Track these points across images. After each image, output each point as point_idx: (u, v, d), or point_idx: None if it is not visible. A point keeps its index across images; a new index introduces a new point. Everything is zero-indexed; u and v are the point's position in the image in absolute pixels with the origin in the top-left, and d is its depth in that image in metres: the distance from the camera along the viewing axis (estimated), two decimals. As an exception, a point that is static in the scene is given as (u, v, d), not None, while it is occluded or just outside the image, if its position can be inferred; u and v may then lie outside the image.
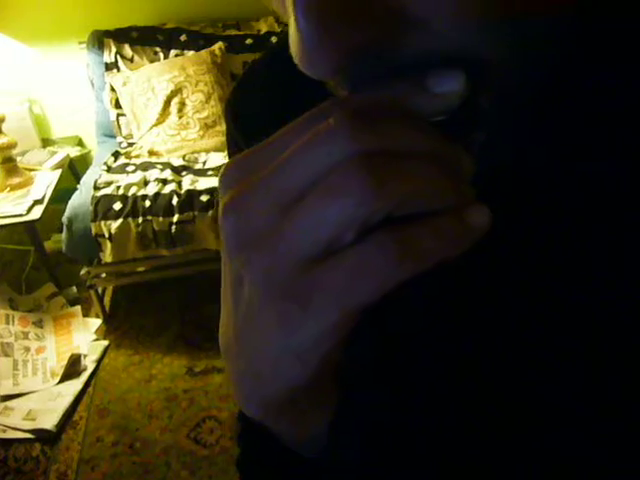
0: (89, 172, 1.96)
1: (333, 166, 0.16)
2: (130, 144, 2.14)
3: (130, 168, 1.91)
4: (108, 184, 1.78)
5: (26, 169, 1.97)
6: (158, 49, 2.14)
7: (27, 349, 1.73)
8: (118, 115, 2.15)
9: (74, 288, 2.00)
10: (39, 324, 1.84)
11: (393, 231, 0.16)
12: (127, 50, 2.13)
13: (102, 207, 1.67)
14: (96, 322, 1.88)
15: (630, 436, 0.23)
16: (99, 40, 2.13)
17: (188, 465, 1.40)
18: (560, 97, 0.23)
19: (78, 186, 1.86)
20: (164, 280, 1.92)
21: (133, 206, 1.67)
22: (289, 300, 0.17)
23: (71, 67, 2.27)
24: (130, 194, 1.71)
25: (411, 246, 0.15)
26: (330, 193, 0.15)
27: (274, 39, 2.15)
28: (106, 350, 1.78)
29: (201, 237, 1.68)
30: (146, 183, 1.78)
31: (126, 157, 2.04)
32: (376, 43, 0.16)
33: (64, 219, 1.69)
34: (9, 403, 1.56)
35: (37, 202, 1.79)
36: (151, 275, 1.87)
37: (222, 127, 2.02)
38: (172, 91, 2.01)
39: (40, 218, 1.75)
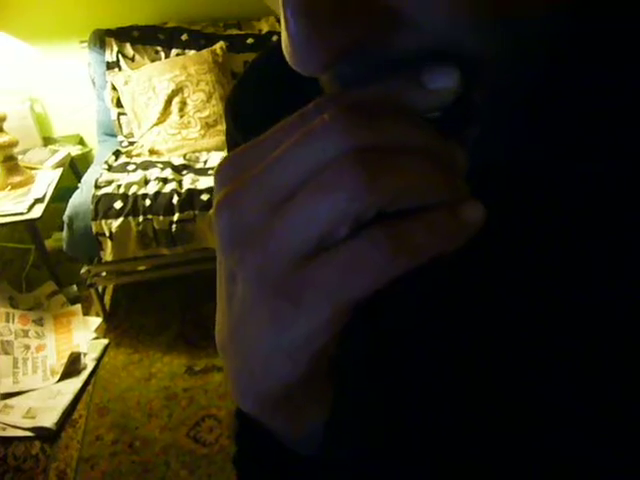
0: (90, 171, 1.96)
1: (326, 162, 0.16)
2: (131, 143, 2.14)
3: (131, 167, 1.91)
4: (109, 183, 1.78)
5: (27, 168, 1.97)
6: (159, 48, 2.14)
7: (27, 347, 1.74)
8: (119, 114, 2.15)
9: (74, 287, 2.00)
10: (39, 322, 1.85)
11: (386, 226, 0.16)
12: (128, 49, 2.13)
13: (103, 206, 1.67)
14: (96, 321, 1.88)
15: (630, 436, 0.23)
16: (100, 39, 2.13)
17: (187, 464, 1.40)
18: (554, 95, 0.23)
19: (79, 185, 1.87)
20: (164, 279, 1.92)
21: (134, 205, 1.67)
22: (281, 297, 0.17)
23: (72, 66, 2.27)
24: (131, 193, 1.71)
25: (404, 241, 0.15)
26: (323, 188, 0.15)
27: (275, 38, 2.16)
28: (106, 349, 1.78)
29: (201, 236, 1.68)
30: (147, 182, 1.79)
31: (127, 156, 2.04)
32: (366, 41, 0.16)
33: (65, 218, 1.69)
34: (9, 401, 1.56)
35: (38, 201, 1.79)
36: (151, 274, 1.87)
37: (223, 126, 2.02)
38: (173, 90, 2.01)
39: (41, 217, 1.75)
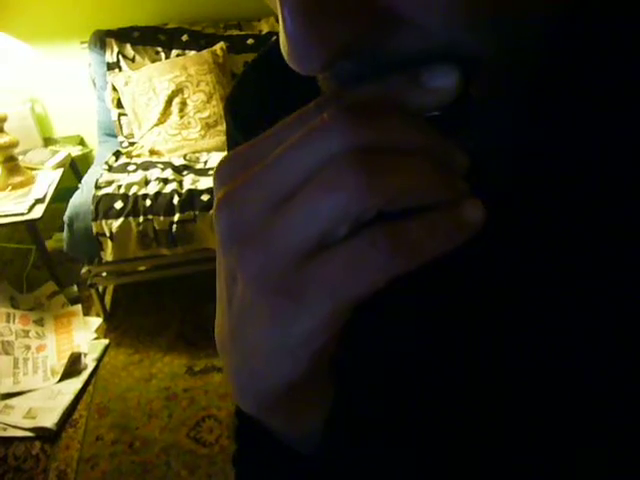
0: (90, 171, 1.96)
1: (326, 161, 0.16)
2: (131, 143, 2.14)
3: (131, 167, 1.91)
4: (109, 183, 1.78)
5: (28, 168, 1.97)
6: (160, 49, 2.14)
7: (28, 347, 1.74)
8: (119, 115, 2.15)
9: (75, 287, 2.00)
10: (40, 322, 1.85)
11: (386, 226, 0.16)
12: (129, 50, 2.13)
13: (103, 206, 1.67)
14: (96, 321, 1.88)
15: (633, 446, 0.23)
16: (101, 40, 2.13)
17: (188, 464, 1.40)
18: (553, 91, 0.23)
19: (79, 185, 1.87)
20: (165, 279, 1.92)
21: (134, 205, 1.67)
22: (282, 295, 0.17)
23: (73, 67, 2.27)
24: (131, 193, 1.71)
25: (404, 241, 0.15)
26: (323, 188, 0.15)
27: (275, 38, 2.15)
28: (106, 349, 1.78)
29: (202, 237, 1.68)
30: (147, 182, 1.79)
31: (127, 156, 2.04)
32: (364, 41, 0.16)
33: (65, 218, 1.69)
34: (9, 401, 1.56)
35: (38, 201, 1.79)
36: (152, 274, 1.87)
37: (223, 127, 2.01)
38: (173, 91, 2.01)
39: (41, 217, 1.75)
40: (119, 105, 2.13)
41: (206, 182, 1.76)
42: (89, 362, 1.71)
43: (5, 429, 1.48)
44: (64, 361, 1.66)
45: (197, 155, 2.01)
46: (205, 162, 1.96)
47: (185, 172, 1.86)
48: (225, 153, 0.21)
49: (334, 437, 0.25)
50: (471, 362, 0.27)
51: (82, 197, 1.74)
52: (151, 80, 2.03)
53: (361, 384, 0.27)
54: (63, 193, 1.89)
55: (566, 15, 0.19)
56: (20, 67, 1.91)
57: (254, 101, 0.35)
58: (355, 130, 0.16)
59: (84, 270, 1.76)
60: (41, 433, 1.47)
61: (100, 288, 1.88)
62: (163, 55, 2.14)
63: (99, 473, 1.40)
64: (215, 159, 1.97)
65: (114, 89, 2.11)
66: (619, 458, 0.24)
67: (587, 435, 0.25)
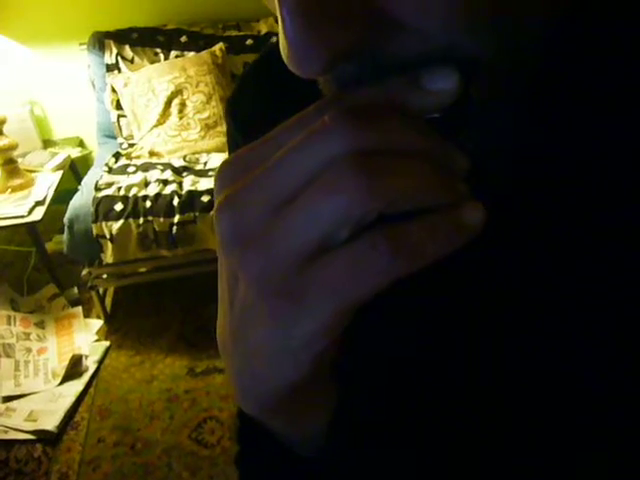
0: (90, 173, 1.96)
1: (327, 164, 0.16)
2: (131, 145, 2.14)
3: (131, 169, 1.91)
4: (109, 185, 1.78)
5: (27, 170, 1.97)
6: (158, 50, 2.14)
7: (29, 350, 1.74)
8: (119, 116, 2.15)
9: (75, 289, 2.00)
10: (40, 325, 1.85)
11: (387, 228, 0.16)
12: (128, 51, 2.13)
13: (103, 208, 1.67)
14: (97, 323, 1.88)
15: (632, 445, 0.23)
16: (100, 41, 2.13)
17: (189, 466, 1.40)
18: (552, 94, 0.23)
19: (79, 187, 1.87)
20: (165, 281, 1.92)
21: (134, 207, 1.67)
22: (283, 297, 0.17)
23: (72, 68, 2.27)
24: (131, 195, 1.71)
25: (405, 244, 0.15)
26: (324, 190, 0.15)
27: (274, 39, 2.15)
28: (107, 351, 1.78)
29: (202, 238, 1.68)
30: (147, 184, 1.79)
31: (127, 158, 2.04)
32: (363, 44, 0.16)
33: (65, 220, 1.69)
34: (10, 404, 1.56)
35: (38, 203, 1.79)
36: (152, 276, 1.87)
37: (223, 128, 2.02)
38: (173, 92, 2.01)
39: (41, 219, 1.75)
40: (118, 106, 2.13)
41: (206, 183, 1.76)
42: (90, 364, 1.71)
43: (6, 432, 1.48)
44: (65, 363, 1.66)
45: (197, 156, 2.01)
46: (205, 163, 1.96)
47: (185, 173, 1.86)
48: (225, 154, 0.21)
49: (336, 439, 0.25)
50: (472, 364, 0.27)
51: (82, 199, 1.74)
52: (150, 81, 2.03)
53: (363, 386, 0.27)
54: (63, 195, 1.89)
55: (565, 17, 0.19)
56: (19, 69, 1.91)
57: (255, 103, 0.35)
58: (356, 132, 0.16)
59: (84, 272, 1.76)
60: (42, 436, 1.47)
61: (101, 290, 1.88)
62: (162, 56, 2.14)
63: (101, 475, 1.40)
64: (215, 160, 1.97)
65: (113, 90, 2.11)
66: (619, 460, 0.24)
67: (587, 437, 0.25)
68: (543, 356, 0.25)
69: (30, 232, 1.84)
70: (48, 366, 1.70)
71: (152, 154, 2.04)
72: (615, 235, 0.22)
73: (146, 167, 1.90)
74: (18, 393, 1.59)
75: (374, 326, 0.26)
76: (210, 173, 1.85)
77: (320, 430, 0.25)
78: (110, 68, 2.12)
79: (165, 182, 1.78)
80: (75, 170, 2.23)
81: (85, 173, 2.00)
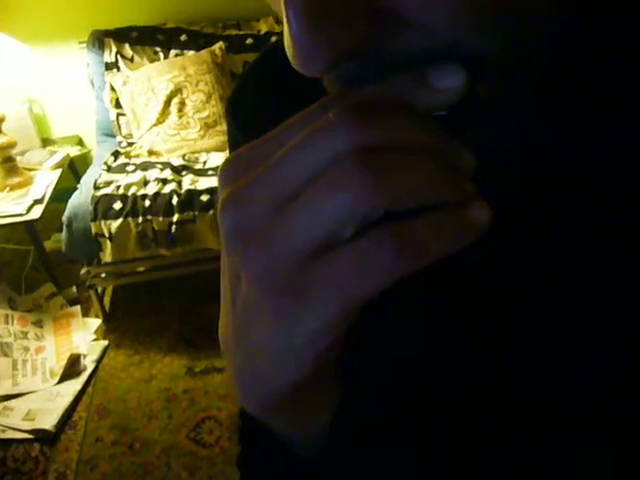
0: (89, 172, 1.96)
1: (331, 161, 0.15)
2: (130, 144, 2.14)
3: (130, 168, 1.91)
4: (108, 184, 1.78)
5: (26, 169, 1.97)
6: (158, 49, 2.14)
7: (26, 349, 1.73)
8: (118, 115, 2.15)
9: (74, 288, 2.00)
10: (38, 324, 1.84)
11: (393, 226, 0.15)
12: (127, 50, 2.13)
13: (102, 207, 1.67)
14: (96, 322, 1.88)
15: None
16: (99, 40, 2.13)
17: (188, 465, 1.40)
18: (557, 92, 0.23)
19: (78, 186, 1.86)
20: (164, 280, 1.92)
21: (133, 206, 1.67)
22: (286, 295, 0.17)
23: (71, 67, 2.27)
24: (130, 194, 1.71)
25: (410, 241, 0.15)
26: (327, 188, 0.15)
27: (274, 39, 2.15)
28: (106, 350, 1.78)
29: (201, 237, 1.68)
30: (146, 183, 1.78)
31: (126, 157, 2.04)
32: (367, 43, 0.16)
33: (64, 219, 1.69)
34: (8, 403, 1.56)
35: (37, 202, 1.79)
36: (151, 275, 1.87)
37: (223, 127, 2.02)
38: (172, 91, 2.01)
39: (40, 218, 1.75)
40: (117, 105, 2.13)
41: (205, 182, 1.76)
42: (88, 363, 1.70)
43: (4, 431, 1.48)
44: (63, 362, 1.66)
45: (196, 155, 2.01)
46: (204, 162, 1.96)
47: (184, 172, 1.86)
48: (225, 154, 0.21)
49: (339, 438, 0.25)
50: (475, 363, 0.27)
51: (81, 198, 1.74)
52: (150, 80, 2.02)
53: (366, 385, 0.27)
54: (62, 194, 1.89)
55: (570, 15, 0.19)
56: (18, 67, 1.91)
57: (255, 102, 0.35)
58: (361, 129, 0.15)
59: (83, 271, 1.76)
60: (40, 435, 1.47)
61: (99, 289, 1.88)
62: (162, 55, 2.13)
63: (99, 475, 1.40)
64: (214, 159, 1.97)
65: (112, 89, 2.11)
66: (622, 459, 0.24)
67: (590, 436, 0.25)
68: (546, 354, 0.25)
69: (28, 230, 1.83)
70: (46, 365, 1.70)
71: (151, 153, 2.04)
72: (619, 233, 0.22)
73: (145, 166, 1.90)
74: (16, 392, 1.59)
75: (378, 324, 0.26)
76: (209, 172, 1.85)
77: (322, 430, 0.25)
78: (109, 67, 2.12)
79: (164, 181, 1.77)
80: (74, 169, 2.23)
81: (84, 172, 1.99)
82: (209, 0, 2.26)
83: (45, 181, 1.92)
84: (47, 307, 1.92)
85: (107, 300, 1.98)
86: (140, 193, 1.71)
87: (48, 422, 1.49)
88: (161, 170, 1.85)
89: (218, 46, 2.11)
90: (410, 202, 0.16)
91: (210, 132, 2.04)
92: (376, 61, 0.17)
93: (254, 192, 0.17)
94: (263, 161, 0.17)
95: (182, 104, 2.02)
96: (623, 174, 0.22)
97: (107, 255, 1.68)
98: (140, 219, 1.65)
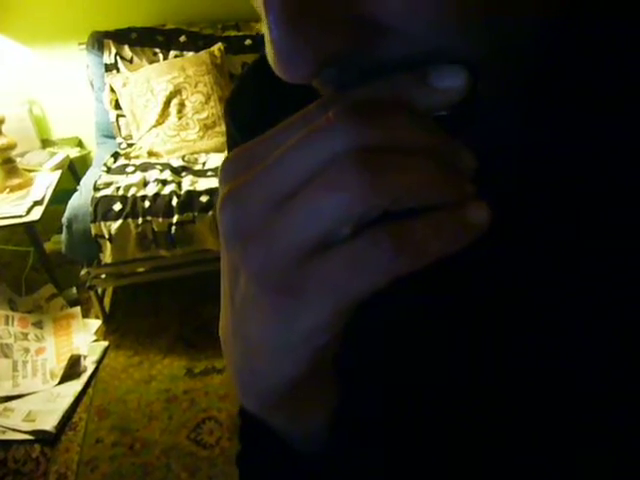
0: (89, 173, 1.96)
1: (330, 160, 0.15)
2: (129, 145, 2.14)
3: (130, 169, 1.91)
4: (108, 185, 1.78)
5: (26, 170, 1.97)
6: (157, 50, 2.14)
7: (27, 350, 1.73)
8: (118, 116, 2.15)
9: (74, 289, 2.00)
10: (39, 325, 1.84)
11: (390, 225, 0.15)
12: (126, 51, 2.13)
13: (102, 208, 1.67)
14: (96, 323, 1.88)
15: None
16: (99, 41, 2.13)
17: (188, 466, 1.40)
18: (552, 93, 0.23)
19: (78, 187, 1.86)
20: (164, 281, 1.92)
21: (133, 207, 1.67)
22: (283, 293, 0.17)
23: (71, 68, 2.27)
24: (130, 195, 1.70)
25: (407, 241, 0.15)
26: (325, 187, 0.15)
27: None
28: (106, 351, 1.78)
29: (201, 238, 1.68)
30: (146, 184, 1.78)
31: (126, 158, 2.04)
32: (349, 49, 0.16)
33: (64, 220, 1.68)
34: (9, 404, 1.55)
35: (37, 203, 1.79)
36: (151, 276, 1.87)
37: (222, 128, 2.02)
38: (171, 92, 2.01)
39: (40, 219, 1.74)
40: (117, 106, 2.13)
41: (205, 183, 1.76)
42: (88, 364, 1.70)
43: (4, 432, 1.47)
44: (63, 364, 1.66)
45: (196, 156, 2.01)
46: (204, 163, 1.96)
47: (184, 173, 1.86)
48: (224, 154, 0.21)
49: (338, 436, 0.25)
50: (475, 363, 0.27)
51: (81, 199, 1.73)
52: (149, 81, 2.02)
53: (365, 383, 0.27)
54: (61, 195, 1.89)
55: (562, 16, 0.19)
56: (18, 69, 1.91)
57: (254, 103, 0.35)
58: (359, 129, 0.15)
59: (83, 272, 1.76)
60: (41, 436, 1.47)
61: (99, 290, 1.87)
62: (161, 56, 2.13)
63: (99, 476, 1.40)
64: (213, 160, 1.97)
65: (112, 90, 2.11)
66: (622, 459, 0.24)
67: (590, 436, 0.25)
68: (546, 354, 0.25)
69: (28, 232, 1.83)
70: (46, 366, 1.69)
71: (151, 154, 2.04)
72: (619, 233, 0.22)
73: (145, 167, 1.90)
74: (16, 393, 1.59)
75: (377, 323, 0.26)
76: (209, 173, 1.85)
77: (321, 427, 0.25)
78: (109, 68, 2.12)
79: (164, 182, 1.77)
80: (74, 170, 2.22)
81: (84, 173, 1.99)
82: (208, 1, 2.26)
83: (45, 182, 1.92)
84: (47, 308, 1.92)
85: (107, 301, 1.98)
86: (140, 194, 1.71)
87: (48, 423, 1.48)
88: (161, 171, 1.85)
89: (217, 47, 2.11)
90: (408, 202, 0.16)
91: (209, 133, 2.04)
92: (359, 67, 0.17)
93: (253, 190, 0.17)
94: (263, 159, 0.17)
95: (181, 105, 2.02)
96: (619, 174, 0.22)
97: (107, 256, 1.68)
98: (140, 220, 1.65)
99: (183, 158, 1.98)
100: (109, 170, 1.93)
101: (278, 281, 0.17)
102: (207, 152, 2.03)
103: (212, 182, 1.76)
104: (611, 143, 0.22)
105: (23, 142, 2.03)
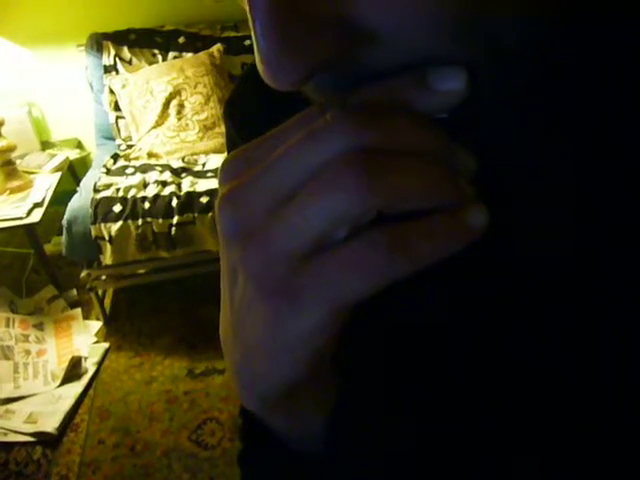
0: (88, 175, 1.96)
1: (328, 162, 0.15)
2: (129, 146, 2.14)
3: (129, 170, 1.91)
4: (107, 186, 1.78)
5: (26, 172, 1.97)
6: (156, 51, 2.14)
7: (28, 352, 1.73)
8: (117, 117, 2.15)
9: (74, 291, 2.00)
10: (39, 327, 1.84)
11: (387, 228, 0.15)
12: (126, 52, 2.13)
13: (102, 209, 1.67)
14: (96, 324, 1.88)
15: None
16: (98, 43, 2.13)
17: (189, 467, 1.40)
18: (550, 94, 0.23)
19: (78, 189, 1.86)
20: (164, 282, 1.92)
21: (133, 208, 1.67)
22: (280, 295, 0.17)
23: (70, 70, 2.27)
24: (130, 196, 1.71)
25: (404, 244, 0.15)
26: (322, 188, 0.15)
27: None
28: (107, 352, 1.78)
29: (201, 239, 1.68)
30: (145, 185, 1.78)
31: (125, 159, 2.04)
32: (338, 58, 0.16)
33: (64, 222, 1.68)
34: (10, 406, 1.56)
35: (37, 205, 1.79)
36: (151, 277, 1.87)
37: (221, 129, 2.02)
38: (171, 93, 2.01)
39: (40, 221, 1.75)
40: (116, 108, 2.13)
41: (205, 184, 1.76)
42: (89, 366, 1.70)
43: (6, 434, 1.48)
44: (64, 365, 1.66)
45: (195, 157, 2.01)
46: (203, 164, 1.96)
47: (183, 174, 1.86)
48: (224, 155, 0.21)
49: (337, 435, 0.25)
50: (474, 363, 0.27)
51: (80, 201, 1.74)
52: (148, 82, 2.03)
53: (363, 382, 0.27)
54: (61, 197, 1.89)
55: (558, 16, 0.19)
56: (17, 71, 1.91)
57: (253, 104, 0.35)
58: (358, 131, 0.15)
59: (83, 274, 1.76)
60: (42, 438, 1.47)
61: (100, 291, 1.88)
62: (160, 57, 2.13)
63: (101, 477, 1.40)
64: (213, 161, 1.97)
65: (111, 92, 2.11)
66: (621, 459, 0.24)
67: (590, 436, 0.25)
68: (546, 354, 0.25)
69: (28, 234, 1.83)
70: (47, 368, 1.70)
71: (150, 155, 2.04)
72: (619, 233, 0.22)
73: (145, 168, 1.90)
74: (17, 395, 1.59)
75: (376, 323, 0.26)
76: (209, 174, 1.85)
77: (321, 427, 0.25)
78: (108, 69, 2.12)
79: (164, 183, 1.77)
80: (73, 172, 2.23)
81: (83, 175, 1.99)
82: (207, 2, 2.26)
83: (45, 184, 1.92)
84: (48, 310, 1.92)
85: (107, 302, 1.98)
86: (140, 195, 1.71)
87: (50, 425, 1.48)
88: (160, 172, 1.85)
89: (216, 48, 2.11)
90: (406, 205, 0.16)
91: (209, 134, 2.04)
92: (348, 73, 0.17)
93: (252, 191, 0.17)
94: (262, 161, 0.17)
95: (181, 106, 2.02)
96: (619, 172, 0.22)
97: (107, 258, 1.68)
98: (140, 221, 1.65)
99: (183, 159, 1.98)
100: (109, 171, 1.93)
101: (275, 283, 0.17)
102: (207, 153, 2.03)
103: (212, 183, 1.76)
104: (611, 143, 0.22)
105: (23, 144, 2.04)
